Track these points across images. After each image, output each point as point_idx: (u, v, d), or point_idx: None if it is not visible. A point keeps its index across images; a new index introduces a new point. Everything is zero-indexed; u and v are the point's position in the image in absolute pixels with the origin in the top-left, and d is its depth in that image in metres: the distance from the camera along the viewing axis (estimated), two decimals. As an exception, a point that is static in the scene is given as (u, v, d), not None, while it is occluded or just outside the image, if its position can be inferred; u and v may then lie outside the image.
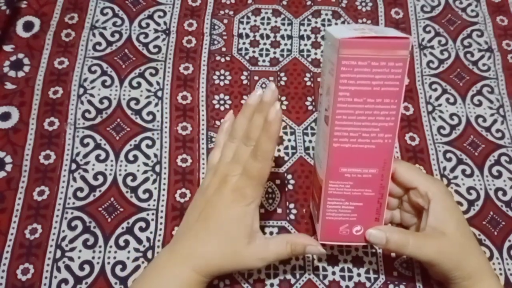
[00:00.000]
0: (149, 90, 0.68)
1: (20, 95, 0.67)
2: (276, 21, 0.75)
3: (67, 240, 0.59)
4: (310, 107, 0.69)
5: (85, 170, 0.63)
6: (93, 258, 0.58)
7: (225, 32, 0.74)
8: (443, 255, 0.51)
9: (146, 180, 0.63)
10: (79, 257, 0.58)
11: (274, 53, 0.73)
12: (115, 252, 0.58)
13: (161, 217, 0.60)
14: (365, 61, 0.45)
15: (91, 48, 0.71)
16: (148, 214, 0.61)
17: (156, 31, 0.73)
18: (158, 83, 0.69)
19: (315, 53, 0.73)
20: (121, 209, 0.61)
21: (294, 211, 0.62)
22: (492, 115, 0.70)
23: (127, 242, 0.59)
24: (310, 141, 0.66)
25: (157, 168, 0.63)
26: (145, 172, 0.63)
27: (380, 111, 0.47)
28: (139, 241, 0.59)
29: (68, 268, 0.57)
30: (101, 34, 0.72)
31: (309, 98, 0.69)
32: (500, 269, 0.60)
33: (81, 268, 0.57)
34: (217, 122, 0.67)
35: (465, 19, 0.77)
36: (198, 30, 0.74)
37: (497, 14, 0.78)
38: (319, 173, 0.53)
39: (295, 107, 0.68)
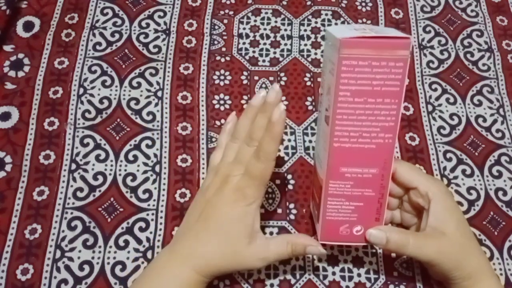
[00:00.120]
0: (149, 90, 0.68)
1: (20, 95, 0.67)
2: (276, 21, 0.75)
3: (66, 240, 0.59)
4: (310, 107, 0.69)
5: (85, 170, 0.63)
6: (92, 258, 0.58)
7: (225, 32, 0.74)
8: (443, 255, 0.51)
9: (146, 180, 0.63)
10: (78, 257, 0.58)
11: (274, 53, 0.73)
12: (115, 252, 0.58)
13: (161, 217, 0.60)
14: (366, 61, 0.45)
15: (91, 48, 0.71)
16: (148, 214, 0.61)
17: (156, 31, 0.73)
18: (158, 83, 0.69)
19: (315, 53, 0.73)
20: (121, 209, 0.61)
21: (294, 211, 0.62)
22: (492, 115, 0.70)
23: (127, 242, 0.59)
24: (310, 141, 0.66)
25: (157, 168, 0.63)
26: (145, 172, 0.63)
27: (380, 111, 0.47)
28: (139, 241, 0.59)
29: (67, 268, 0.57)
30: (101, 34, 0.72)
31: (309, 98, 0.69)
32: (500, 269, 0.60)
33: (80, 268, 0.57)
34: (217, 122, 0.67)
35: (465, 19, 0.77)
36: (198, 30, 0.74)
37: (497, 14, 0.78)
38: (319, 173, 0.53)
39: (295, 107, 0.68)
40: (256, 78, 0.70)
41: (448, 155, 0.66)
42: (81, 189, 0.61)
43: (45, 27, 0.72)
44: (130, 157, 0.64)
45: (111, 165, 0.63)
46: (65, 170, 0.63)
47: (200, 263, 0.50)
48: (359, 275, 0.59)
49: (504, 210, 0.63)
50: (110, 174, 0.63)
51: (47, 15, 0.73)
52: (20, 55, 0.69)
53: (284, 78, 0.71)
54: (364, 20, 0.76)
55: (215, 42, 0.73)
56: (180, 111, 0.67)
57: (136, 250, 0.59)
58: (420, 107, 0.69)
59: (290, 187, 0.63)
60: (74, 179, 0.62)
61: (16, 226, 0.59)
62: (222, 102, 0.68)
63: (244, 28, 0.74)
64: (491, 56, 0.74)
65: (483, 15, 0.78)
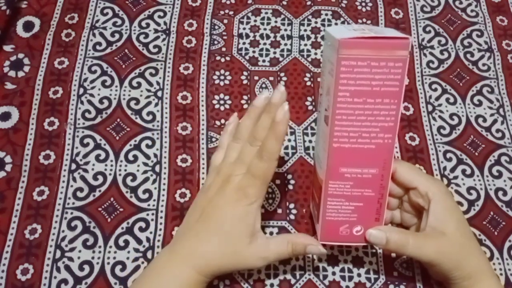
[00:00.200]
0: (149, 90, 0.68)
1: (20, 95, 0.67)
2: (276, 21, 0.75)
3: (66, 240, 0.59)
4: (310, 107, 0.69)
5: (85, 170, 0.63)
6: (92, 258, 0.58)
7: (225, 32, 0.74)
8: (443, 255, 0.51)
9: (146, 180, 0.63)
10: (78, 257, 0.58)
11: (274, 53, 0.73)
12: (115, 252, 0.58)
13: (161, 217, 0.60)
14: (365, 61, 0.45)
15: (91, 48, 0.71)
16: (148, 214, 0.61)
17: (156, 31, 0.73)
18: (158, 83, 0.69)
19: (315, 53, 0.73)
20: (121, 209, 0.61)
21: (294, 211, 0.62)
22: (492, 115, 0.70)
23: (127, 242, 0.59)
24: (310, 141, 0.66)
25: (157, 168, 0.63)
26: (145, 172, 0.63)
27: (380, 111, 0.47)
28: (139, 241, 0.59)
29: (67, 268, 0.57)
30: (101, 34, 0.72)
31: (309, 98, 0.69)
32: (500, 269, 0.60)
33: (80, 268, 0.57)
34: (217, 122, 0.67)
35: (465, 19, 0.77)
36: (198, 30, 0.74)
37: (497, 14, 0.78)
38: (319, 173, 0.53)
39: (295, 107, 0.68)
40: (256, 78, 0.70)
41: (448, 155, 0.66)
42: (81, 189, 0.61)
43: (45, 27, 0.72)
44: (130, 157, 0.64)
45: (111, 165, 0.63)
46: (65, 170, 0.63)
47: (200, 263, 0.50)
48: (359, 275, 0.59)
49: (504, 210, 0.63)
50: (110, 174, 0.63)
51: (47, 15, 0.73)
52: (20, 55, 0.69)
53: (284, 78, 0.71)
54: (364, 20, 0.76)
55: (215, 42, 0.73)
56: (180, 111, 0.67)
57: (136, 250, 0.59)
58: (420, 107, 0.69)
59: (290, 187, 0.63)
60: (74, 179, 0.62)
61: (16, 226, 0.59)
62: (222, 102, 0.68)
63: (244, 28, 0.74)
64: (491, 56, 0.74)
65: (483, 15, 0.78)
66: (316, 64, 0.72)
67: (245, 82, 0.70)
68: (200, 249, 0.51)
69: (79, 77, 0.69)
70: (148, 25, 0.73)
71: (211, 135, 0.66)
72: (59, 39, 0.71)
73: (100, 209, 0.61)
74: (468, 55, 0.74)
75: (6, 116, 0.65)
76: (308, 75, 0.71)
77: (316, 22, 0.76)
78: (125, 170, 0.63)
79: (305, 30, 0.75)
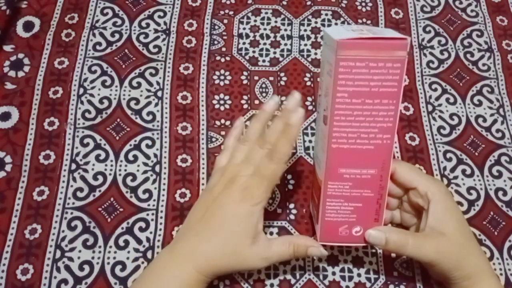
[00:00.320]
0: (149, 90, 0.68)
1: (20, 95, 0.67)
2: (276, 21, 0.75)
3: (66, 240, 0.59)
4: (310, 107, 0.69)
5: (85, 170, 0.63)
6: (92, 258, 0.58)
7: (225, 32, 0.74)
8: (443, 255, 0.51)
9: (146, 180, 0.63)
10: (78, 257, 0.58)
11: (274, 53, 0.73)
12: (115, 252, 0.58)
13: (161, 217, 0.61)
14: (363, 62, 0.45)
15: (91, 48, 0.71)
16: (148, 214, 0.61)
17: (156, 31, 0.73)
18: (158, 83, 0.69)
19: (315, 53, 0.73)
20: (121, 209, 0.61)
21: (294, 211, 0.62)
22: (492, 115, 0.69)
23: (127, 242, 0.59)
24: (310, 141, 0.66)
25: (157, 168, 0.63)
26: (145, 172, 0.63)
27: (378, 111, 0.47)
28: (139, 241, 0.59)
29: (67, 268, 0.57)
30: (101, 34, 0.72)
31: (309, 98, 0.69)
32: (500, 269, 0.60)
33: (80, 268, 0.57)
34: (217, 122, 0.67)
35: (465, 19, 0.77)
36: (198, 30, 0.74)
37: (497, 14, 0.78)
38: (318, 174, 0.53)
39: (295, 107, 0.68)
40: (256, 78, 0.70)
41: (448, 155, 0.66)
42: (81, 189, 0.62)
43: (45, 27, 0.72)
44: (130, 157, 0.64)
45: (111, 165, 0.63)
46: (65, 170, 0.63)
47: (201, 261, 0.50)
48: (359, 275, 0.59)
49: (504, 210, 0.63)
50: (110, 174, 0.63)
51: (47, 15, 0.73)
52: (20, 55, 0.70)
53: (284, 78, 0.71)
54: (364, 20, 0.76)
55: (215, 42, 0.73)
56: (180, 111, 0.67)
57: (136, 250, 0.59)
58: (420, 107, 0.69)
59: (290, 187, 0.63)
60: (74, 179, 0.62)
61: (16, 226, 0.59)
62: (222, 102, 0.68)
63: (244, 28, 0.74)
64: (491, 56, 0.74)
65: (483, 15, 0.78)
66: (316, 64, 0.72)
67: (245, 82, 0.70)
68: (201, 247, 0.51)
69: (79, 77, 0.69)
70: (148, 25, 0.73)
71: (211, 135, 0.66)
72: (59, 39, 0.71)
73: (100, 209, 0.61)
74: (468, 55, 0.74)
75: (6, 116, 0.65)
76: (308, 75, 0.71)
77: (316, 22, 0.76)
78: (125, 170, 0.63)
79: (305, 30, 0.75)
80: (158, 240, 0.59)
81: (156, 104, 0.68)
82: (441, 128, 0.68)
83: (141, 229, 0.60)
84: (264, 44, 0.73)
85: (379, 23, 0.76)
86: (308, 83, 0.70)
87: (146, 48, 0.72)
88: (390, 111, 0.47)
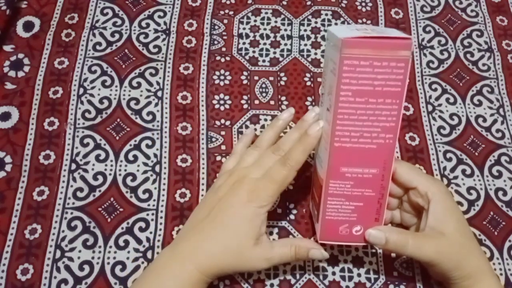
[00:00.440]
0: (149, 90, 0.68)
1: (20, 95, 0.67)
2: (276, 21, 0.75)
3: (66, 240, 0.59)
4: (310, 107, 0.69)
5: (85, 170, 0.63)
6: (92, 258, 0.58)
7: (225, 32, 0.74)
8: (443, 255, 0.51)
9: (146, 180, 0.63)
10: (78, 257, 0.58)
11: (274, 53, 0.73)
12: (115, 252, 0.58)
13: (161, 217, 0.60)
14: (367, 61, 0.45)
15: (91, 48, 0.71)
16: (148, 214, 0.60)
17: (156, 31, 0.73)
18: (158, 83, 0.69)
19: (315, 53, 0.73)
20: (121, 209, 0.61)
21: (294, 211, 0.62)
22: (492, 115, 0.70)
23: (127, 242, 0.59)
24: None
25: (157, 168, 0.63)
26: (145, 172, 0.63)
27: (381, 111, 0.47)
28: (139, 241, 0.59)
29: (67, 268, 0.57)
30: (101, 34, 0.72)
31: (309, 98, 0.69)
32: (500, 269, 0.60)
33: (80, 268, 0.57)
34: (217, 122, 0.67)
35: (465, 19, 0.77)
36: (198, 30, 0.74)
37: (497, 14, 0.78)
38: (320, 173, 0.53)
39: (295, 107, 0.68)
40: (256, 78, 0.70)
41: (448, 155, 0.66)
42: (81, 189, 0.61)
43: (45, 27, 0.72)
44: (130, 157, 0.64)
45: (111, 165, 0.63)
46: (65, 170, 0.63)
47: (203, 261, 0.50)
48: (359, 275, 0.59)
49: (504, 210, 0.63)
50: (110, 174, 0.63)
51: (47, 15, 0.73)
52: (20, 55, 0.69)
53: (284, 78, 0.71)
54: (364, 20, 0.76)
55: (215, 42, 0.73)
56: (180, 111, 0.67)
57: (136, 250, 0.59)
58: (420, 107, 0.69)
59: (290, 187, 0.63)
60: (74, 179, 0.62)
61: (16, 226, 0.59)
62: (222, 102, 0.68)
63: (244, 28, 0.74)
64: (491, 56, 0.74)
65: (483, 15, 0.78)
66: (316, 64, 0.72)
67: (245, 82, 0.70)
68: (203, 246, 0.51)
69: (79, 77, 0.69)
70: (148, 25, 0.73)
71: (211, 135, 0.66)
72: (59, 39, 0.71)
73: (100, 209, 0.60)
74: (468, 55, 0.74)
75: (6, 116, 0.65)
76: (308, 75, 0.71)
77: (316, 22, 0.76)
78: (125, 170, 0.63)
79: (305, 30, 0.75)
80: (158, 240, 0.59)
81: (156, 104, 0.67)
82: (441, 128, 0.68)
83: (141, 229, 0.60)
84: (264, 44, 0.73)
85: (379, 23, 0.76)
86: (308, 83, 0.70)
87: (146, 48, 0.71)
88: (393, 111, 0.47)
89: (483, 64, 0.74)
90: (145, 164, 0.64)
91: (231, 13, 0.76)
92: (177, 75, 0.70)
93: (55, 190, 0.61)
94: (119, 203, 0.61)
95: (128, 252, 0.58)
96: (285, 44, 0.73)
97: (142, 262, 0.58)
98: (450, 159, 0.66)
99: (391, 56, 0.45)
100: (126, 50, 0.71)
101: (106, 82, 0.68)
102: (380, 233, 0.51)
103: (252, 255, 0.51)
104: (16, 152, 0.63)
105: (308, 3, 0.77)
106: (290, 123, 0.59)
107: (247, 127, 0.66)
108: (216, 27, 0.74)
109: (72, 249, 0.58)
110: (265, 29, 0.74)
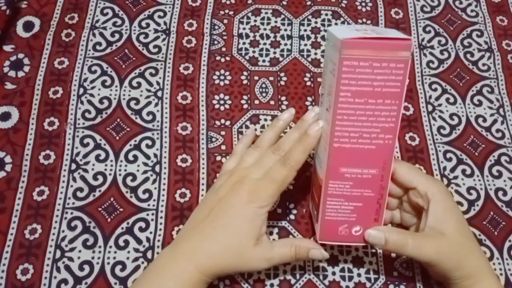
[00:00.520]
0: (149, 90, 0.68)
1: (20, 95, 0.67)
2: (276, 21, 0.75)
3: (66, 240, 0.59)
4: (310, 107, 0.68)
5: (85, 170, 0.63)
6: (92, 258, 0.58)
7: (225, 32, 0.74)
8: (443, 255, 0.51)
9: (146, 180, 0.63)
10: (78, 257, 0.58)
11: (274, 53, 0.73)
12: (115, 252, 0.58)
13: (161, 217, 0.60)
14: (367, 61, 0.45)
15: (91, 48, 0.71)
16: (148, 214, 0.61)
17: (156, 31, 0.73)
18: (158, 83, 0.69)
19: (315, 53, 0.73)
20: (121, 209, 0.61)
21: (294, 211, 0.62)
22: (492, 115, 0.70)
23: (127, 242, 0.59)
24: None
25: (157, 168, 0.63)
26: (145, 172, 0.63)
27: (381, 111, 0.47)
28: (139, 241, 0.59)
29: (67, 268, 0.57)
30: (101, 34, 0.72)
31: (309, 98, 0.69)
32: (500, 269, 0.60)
33: (80, 268, 0.57)
34: (217, 122, 0.67)
35: (465, 19, 0.77)
36: (198, 30, 0.74)
37: (497, 14, 0.78)
38: (319, 173, 0.53)
39: (295, 107, 0.68)
40: (256, 78, 0.70)
41: (448, 155, 0.66)
42: (81, 189, 0.61)
43: (45, 27, 0.72)
44: (130, 157, 0.64)
45: (111, 165, 0.63)
46: (65, 170, 0.63)
47: (203, 260, 0.50)
48: (359, 275, 0.59)
49: (504, 210, 0.63)
50: (110, 174, 0.63)
51: (47, 15, 0.73)
52: (20, 55, 0.69)
53: (284, 78, 0.71)
54: (364, 20, 0.76)
55: (215, 42, 0.73)
56: (180, 111, 0.67)
57: (136, 250, 0.59)
58: (420, 107, 0.69)
59: (290, 187, 0.63)
60: (74, 179, 0.62)
61: (16, 226, 0.59)
62: (222, 102, 0.68)
63: (244, 28, 0.74)
64: (491, 56, 0.74)
65: (483, 15, 0.78)
66: (316, 64, 0.72)
67: (245, 82, 0.70)
68: (203, 246, 0.51)
69: (79, 77, 0.69)
70: (148, 25, 0.73)
71: (211, 135, 0.66)
72: (59, 39, 0.71)
73: (100, 209, 0.61)
74: (468, 55, 0.74)
75: (6, 116, 0.65)
76: (308, 75, 0.71)
77: (316, 22, 0.76)
78: (125, 170, 0.63)
79: (305, 30, 0.75)
80: (158, 240, 0.59)
81: (156, 104, 0.67)
82: (441, 128, 0.68)
83: (141, 229, 0.60)
84: (264, 44, 0.73)
85: (379, 23, 0.76)
86: (308, 83, 0.70)
87: (146, 48, 0.71)
88: (393, 112, 0.47)
89: (483, 64, 0.73)
90: (145, 164, 0.64)
91: (231, 13, 0.76)
92: (177, 75, 0.70)
93: (55, 190, 0.61)
94: (119, 203, 0.61)
95: (128, 252, 0.58)
96: (285, 44, 0.73)
97: (142, 262, 0.58)
98: (450, 159, 0.66)
99: (391, 57, 0.45)
100: (126, 50, 0.71)
101: (106, 82, 0.68)
102: (379, 233, 0.51)
103: (252, 255, 0.51)
104: (16, 152, 0.63)
105: (308, 3, 0.77)
106: (290, 123, 0.59)
107: (247, 127, 0.67)
108: (216, 27, 0.74)
109: (72, 249, 0.58)
110: (265, 29, 0.74)
